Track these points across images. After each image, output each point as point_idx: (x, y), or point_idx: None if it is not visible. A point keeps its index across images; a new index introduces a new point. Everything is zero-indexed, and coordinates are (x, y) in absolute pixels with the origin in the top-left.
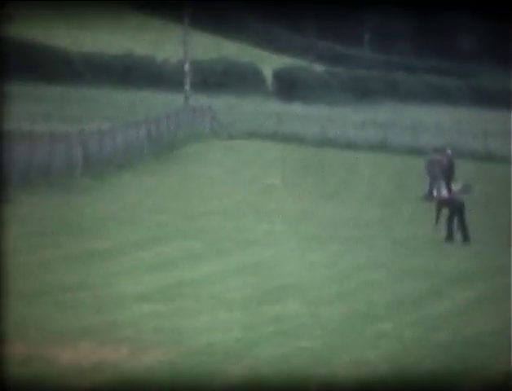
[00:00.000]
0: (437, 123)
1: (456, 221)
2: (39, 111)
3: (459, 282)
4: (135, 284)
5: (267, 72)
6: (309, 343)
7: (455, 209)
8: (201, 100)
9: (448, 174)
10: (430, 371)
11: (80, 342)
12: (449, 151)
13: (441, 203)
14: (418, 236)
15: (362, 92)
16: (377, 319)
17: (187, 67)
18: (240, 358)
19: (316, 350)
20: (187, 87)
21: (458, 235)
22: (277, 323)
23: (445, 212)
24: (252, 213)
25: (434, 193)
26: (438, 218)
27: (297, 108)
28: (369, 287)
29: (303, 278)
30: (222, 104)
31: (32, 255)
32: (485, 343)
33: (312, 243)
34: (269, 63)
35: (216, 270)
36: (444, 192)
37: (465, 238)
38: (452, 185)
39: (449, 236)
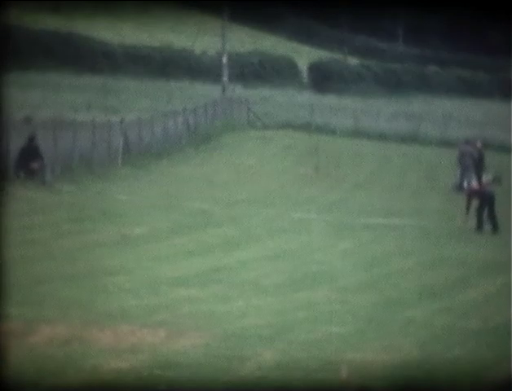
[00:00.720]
0: (467, 116)
1: (486, 211)
2: (81, 101)
3: (488, 271)
4: (172, 270)
5: (302, 65)
6: (340, 329)
7: (485, 200)
8: (238, 92)
9: (479, 166)
10: (459, 358)
11: (119, 325)
12: (479, 143)
13: (472, 194)
14: (448, 226)
15: (395, 85)
16: (406, 306)
17: (224, 59)
18: (273, 342)
19: (347, 336)
20: (225, 79)
21: (488, 226)
22: (309, 309)
23: (475, 202)
24: (285, 202)
25: (465, 184)
26: (468, 209)
27: (330, 100)
28: (399, 274)
29: (334, 266)
30: (258, 96)
31: (73, 240)
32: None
33: (344, 232)
34: (304, 55)
35: (250, 256)
36: (475, 183)
37: (495, 228)
38: (483, 176)
39: (479, 226)
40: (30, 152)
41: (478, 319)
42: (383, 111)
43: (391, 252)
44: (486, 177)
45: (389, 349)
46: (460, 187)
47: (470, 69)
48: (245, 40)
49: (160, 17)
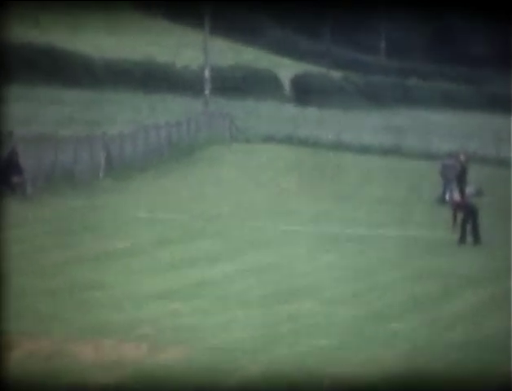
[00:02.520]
0: (449, 128)
1: (469, 224)
2: (64, 115)
3: (472, 283)
4: (154, 283)
5: (284, 78)
6: (324, 342)
7: (468, 213)
8: (220, 105)
9: (461, 178)
10: (444, 370)
11: (101, 339)
12: (463, 156)
13: (457, 206)
14: (431, 238)
15: (377, 98)
16: (390, 319)
17: (206, 72)
18: (257, 355)
19: (331, 349)
20: (207, 92)
21: (470, 238)
22: (293, 322)
23: (460, 215)
24: (268, 215)
25: (447, 197)
26: (455, 221)
27: (313, 113)
28: (383, 287)
29: (318, 279)
30: (241, 109)
31: (54, 254)
32: (497, 343)
33: (327, 244)
34: (286, 69)
35: (234, 270)
36: (457, 196)
37: (476, 241)
38: (466, 189)
39: (462, 239)
40: (11, 166)
41: (462, 332)
42: (366, 123)
43: (375, 265)
44: (469, 190)
45: (373, 362)
46: (443, 200)
47: (452, 82)
48: (227, 53)
49: (141, 31)
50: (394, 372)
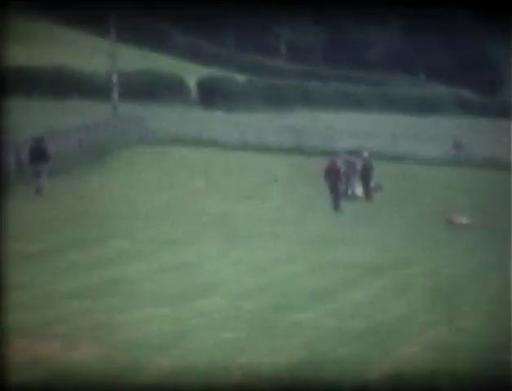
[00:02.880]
0: (349, 127)
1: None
2: None
3: (371, 273)
4: (68, 283)
5: (191, 82)
6: (232, 334)
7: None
8: (129, 109)
9: (367, 174)
10: (344, 357)
11: (15, 339)
12: (366, 154)
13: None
14: (333, 232)
15: (279, 100)
16: (294, 310)
17: (114, 78)
18: (168, 350)
19: (239, 341)
20: (116, 97)
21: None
22: (203, 317)
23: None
24: (178, 214)
25: (349, 192)
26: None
27: (219, 116)
28: (287, 280)
29: (227, 274)
30: (149, 113)
31: None
32: (395, 329)
33: (234, 241)
34: (192, 73)
35: (145, 268)
36: (360, 191)
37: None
38: (370, 184)
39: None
40: (38, 153)
41: (362, 319)
42: (268, 124)
43: (279, 259)
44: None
45: (278, 352)
46: (344, 195)
47: (350, 83)
48: (135, 59)
49: (50, 38)
50: (298, 360)
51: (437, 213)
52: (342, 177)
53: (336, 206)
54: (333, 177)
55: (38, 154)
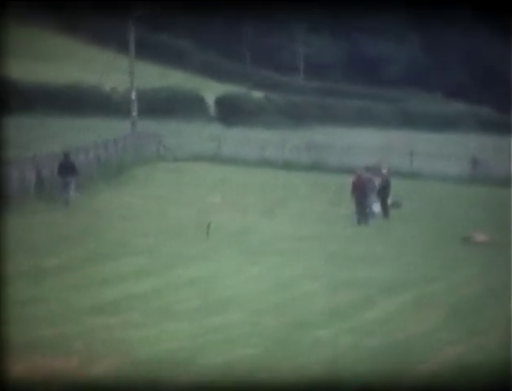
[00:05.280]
0: (367, 144)
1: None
2: None
3: (389, 291)
4: (86, 298)
5: (209, 99)
6: (250, 351)
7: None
8: (148, 126)
9: (384, 191)
10: (363, 374)
11: (33, 354)
12: (385, 171)
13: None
14: (352, 249)
15: (297, 116)
16: (313, 327)
17: (133, 95)
18: (186, 365)
19: (257, 357)
20: (135, 114)
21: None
22: (220, 333)
23: None
24: (196, 230)
25: (367, 209)
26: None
27: (237, 132)
28: (306, 297)
29: (245, 290)
30: (167, 129)
31: None
32: (414, 347)
33: (252, 257)
34: (211, 90)
35: (163, 284)
36: (378, 208)
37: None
38: (388, 201)
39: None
40: (66, 167)
41: (381, 337)
42: (287, 141)
43: (298, 276)
44: (388, 202)
45: (296, 368)
46: (361, 216)
47: (367, 100)
48: (153, 76)
49: (69, 55)
50: (317, 377)
51: (455, 230)
52: (367, 192)
53: (361, 220)
54: (360, 191)
55: (67, 167)
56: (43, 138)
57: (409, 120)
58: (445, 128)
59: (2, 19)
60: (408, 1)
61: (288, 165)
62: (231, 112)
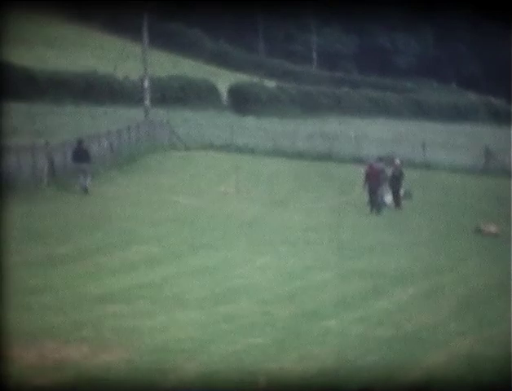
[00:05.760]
0: (379, 134)
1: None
2: (5, 126)
3: (399, 281)
4: (96, 287)
5: (222, 88)
6: (260, 340)
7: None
8: (160, 114)
9: (397, 182)
10: (372, 364)
11: (44, 342)
12: (398, 161)
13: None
14: (362, 239)
15: (310, 106)
16: (323, 317)
17: (146, 83)
18: (194, 355)
19: (266, 347)
20: (147, 102)
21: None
22: (229, 322)
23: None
24: (207, 219)
25: (379, 199)
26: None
27: (249, 121)
28: (316, 287)
29: (254, 280)
30: (180, 118)
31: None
32: (423, 337)
33: (263, 247)
34: (223, 79)
35: (173, 272)
36: (389, 198)
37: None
38: (400, 191)
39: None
40: (81, 153)
41: (391, 327)
42: (299, 131)
43: (308, 266)
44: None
45: (306, 358)
46: (374, 205)
47: (380, 90)
48: (166, 64)
49: (82, 43)
50: (325, 367)
51: (466, 221)
52: (380, 181)
53: (374, 210)
54: (373, 181)
55: (81, 154)
56: (56, 126)
57: (422, 111)
58: (458, 119)
59: (16, 7)
60: None
61: (300, 155)
62: (243, 102)
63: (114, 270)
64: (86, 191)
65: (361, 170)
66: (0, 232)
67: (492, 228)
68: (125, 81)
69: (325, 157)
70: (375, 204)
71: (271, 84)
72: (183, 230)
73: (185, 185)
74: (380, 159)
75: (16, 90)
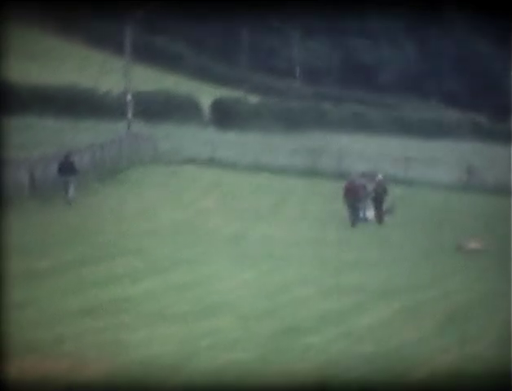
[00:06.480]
0: (362, 150)
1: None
2: None
3: (383, 297)
4: (78, 300)
5: (204, 103)
6: (241, 355)
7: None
8: (143, 129)
9: (379, 198)
10: (354, 381)
11: (25, 357)
12: (380, 177)
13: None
14: (345, 255)
15: (293, 121)
16: (305, 333)
17: (128, 97)
18: (177, 370)
19: (248, 363)
20: (130, 116)
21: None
22: (212, 337)
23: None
24: (189, 234)
25: (361, 214)
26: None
27: (232, 136)
28: (298, 302)
29: (236, 295)
30: (163, 132)
31: None
32: (407, 354)
33: (245, 262)
34: (205, 94)
35: (155, 286)
36: (371, 214)
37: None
38: (383, 206)
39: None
40: (67, 166)
41: (373, 343)
42: (282, 146)
43: (291, 281)
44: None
45: (288, 374)
46: (356, 218)
47: (363, 106)
48: (149, 79)
49: (64, 57)
50: (308, 383)
51: (448, 237)
52: (360, 197)
53: (353, 223)
54: (352, 196)
55: (67, 167)
56: (38, 139)
57: (404, 127)
58: (440, 135)
59: None
60: (404, 7)
61: (283, 170)
62: (226, 116)
63: (96, 284)
64: (69, 203)
65: (343, 186)
66: None
67: (474, 244)
68: (107, 95)
69: (308, 172)
70: (354, 218)
71: (254, 99)
72: (166, 244)
73: (167, 199)
74: (363, 174)
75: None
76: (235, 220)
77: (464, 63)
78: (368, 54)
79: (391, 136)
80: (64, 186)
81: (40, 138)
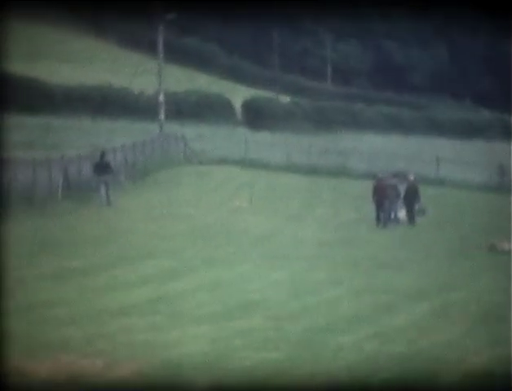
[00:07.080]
0: (393, 150)
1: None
2: (22, 140)
3: (413, 297)
4: (111, 300)
5: (236, 103)
6: (273, 355)
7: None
8: (175, 129)
9: (412, 197)
10: (386, 381)
11: (57, 356)
12: (412, 177)
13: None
14: (376, 255)
15: (324, 122)
16: (336, 333)
17: (161, 97)
18: (209, 370)
19: (279, 362)
20: (162, 116)
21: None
22: (243, 337)
23: None
24: (221, 234)
25: (392, 215)
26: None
27: (263, 136)
28: (329, 302)
29: (268, 295)
30: (194, 132)
31: (12, 273)
32: (437, 354)
33: (277, 262)
34: (238, 94)
35: (187, 287)
36: (403, 215)
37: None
38: (415, 207)
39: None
40: (103, 165)
41: (405, 344)
42: (313, 146)
43: (322, 281)
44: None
45: (320, 374)
46: (388, 219)
47: (395, 106)
48: (181, 79)
49: (98, 58)
50: (339, 383)
51: (480, 238)
52: (389, 196)
53: (380, 224)
54: (380, 195)
55: (103, 167)
56: (71, 139)
57: (435, 127)
58: (472, 135)
59: (31, 21)
60: (434, 9)
61: (314, 170)
62: (257, 117)
63: (128, 284)
64: (108, 203)
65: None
66: (14, 245)
67: (507, 245)
68: (140, 95)
69: (339, 172)
70: (382, 218)
71: (285, 99)
72: (197, 245)
73: (199, 199)
74: (394, 175)
75: (32, 104)
76: (266, 220)
77: (495, 63)
78: (399, 55)
79: (423, 136)
80: (97, 187)
81: (73, 139)
